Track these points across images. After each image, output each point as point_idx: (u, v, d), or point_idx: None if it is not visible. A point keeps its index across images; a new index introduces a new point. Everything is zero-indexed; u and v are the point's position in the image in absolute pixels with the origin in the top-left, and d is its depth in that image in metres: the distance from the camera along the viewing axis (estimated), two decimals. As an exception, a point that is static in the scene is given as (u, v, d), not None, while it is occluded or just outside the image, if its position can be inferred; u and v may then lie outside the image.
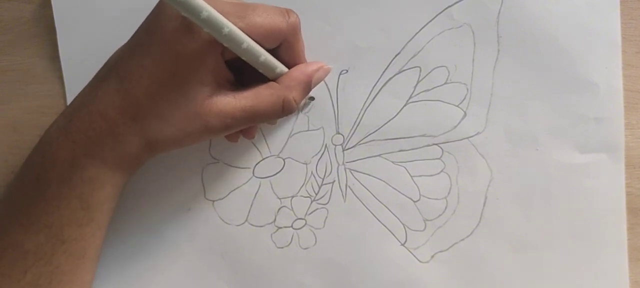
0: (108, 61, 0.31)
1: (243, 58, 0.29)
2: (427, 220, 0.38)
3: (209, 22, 0.26)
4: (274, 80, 0.32)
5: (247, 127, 0.33)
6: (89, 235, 0.31)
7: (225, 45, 0.28)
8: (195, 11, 0.25)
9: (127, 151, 0.30)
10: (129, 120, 0.29)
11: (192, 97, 0.28)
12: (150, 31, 0.28)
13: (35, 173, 0.30)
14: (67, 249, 0.30)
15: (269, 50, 0.30)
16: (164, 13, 0.28)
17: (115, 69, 0.29)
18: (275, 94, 0.30)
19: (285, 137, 0.38)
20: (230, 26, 0.27)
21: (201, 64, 0.28)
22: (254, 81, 0.31)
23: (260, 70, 0.30)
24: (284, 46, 0.31)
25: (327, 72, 0.33)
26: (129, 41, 0.30)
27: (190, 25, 0.27)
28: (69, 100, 0.37)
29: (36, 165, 0.30)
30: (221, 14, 0.27)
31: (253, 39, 0.29)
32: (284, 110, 0.31)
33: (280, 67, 0.30)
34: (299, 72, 0.31)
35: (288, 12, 0.30)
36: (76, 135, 0.29)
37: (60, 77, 0.37)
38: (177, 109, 0.28)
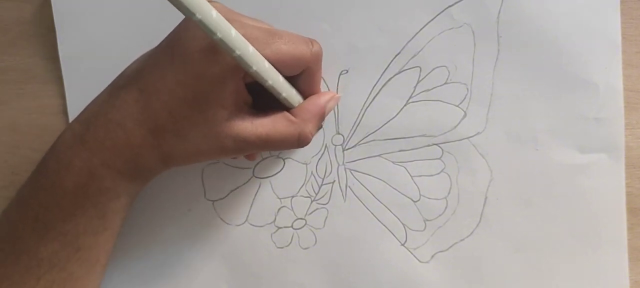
0: (127, 70, 0.30)
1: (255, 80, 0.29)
2: (427, 220, 0.38)
3: (222, 44, 0.25)
4: (283, 104, 0.31)
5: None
6: (102, 243, 0.31)
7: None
8: (209, 31, 0.25)
9: (143, 163, 0.29)
10: (146, 132, 0.29)
11: (210, 118, 0.28)
12: (174, 47, 0.28)
13: (50, 180, 0.29)
14: (81, 257, 0.30)
15: (288, 78, 0.31)
16: (190, 31, 0.28)
17: (135, 79, 0.29)
18: (292, 127, 0.30)
19: (285, 137, 0.38)
20: (242, 49, 0.26)
21: (223, 87, 0.28)
22: (267, 103, 0.31)
23: (271, 92, 0.31)
24: (305, 74, 0.31)
25: (338, 100, 0.35)
26: (151, 53, 0.30)
27: (215, 48, 0.27)
28: (69, 100, 0.37)
29: (51, 171, 0.30)
30: (248, 38, 0.27)
31: (277, 66, 0.29)
32: (299, 143, 0.31)
33: (286, 92, 0.30)
34: (313, 105, 0.32)
35: (312, 41, 0.30)
36: (93, 143, 0.29)
37: (60, 77, 0.37)
38: (194, 128, 0.28)
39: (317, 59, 0.31)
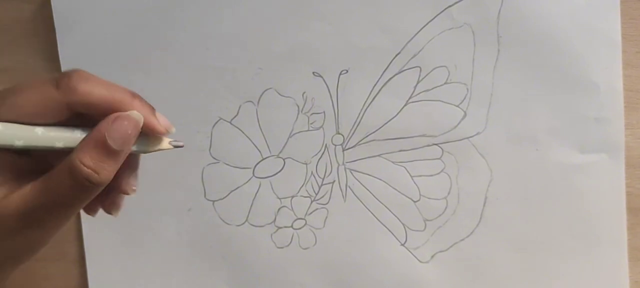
0: None
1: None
2: (427, 220, 0.38)
3: None
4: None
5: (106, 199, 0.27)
6: None
7: None
8: None
9: None
10: None
11: None
12: None
13: None
14: None
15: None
16: None
17: None
18: (65, 163, 0.24)
19: (285, 137, 0.38)
20: None
21: None
22: None
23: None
24: (84, 111, 0.24)
25: (134, 122, 0.24)
26: None
27: None
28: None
29: None
30: None
31: (24, 121, 0.24)
32: (74, 180, 0.24)
33: (63, 141, 0.24)
34: (92, 131, 0.24)
35: (62, 75, 0.24)
36: None
37: (60, 77, 0.37)
38: None
39: (70, 90, 0.24)
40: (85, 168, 0.23)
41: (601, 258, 0.38)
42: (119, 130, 0.24)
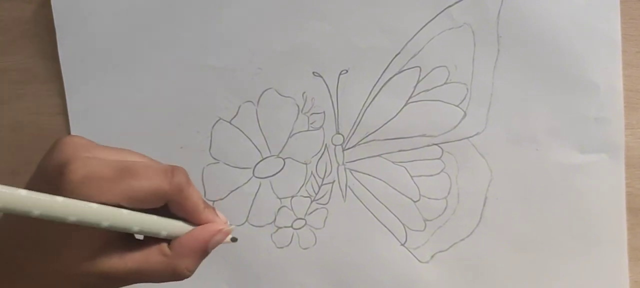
0: None
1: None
2: (427, 220, 0.38)
3: (48, 219, 0.23)
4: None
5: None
6: None
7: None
8: (21, 211, 0.22)
9: None
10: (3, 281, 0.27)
11: (64, 261, 0.26)
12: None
13: None
14: None
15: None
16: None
17: None
18: (166, 262, 0.28)
19: (285, 137, 0.38)
20: (77, 212, 0.24)
21: (64, 228, 0.25)
22: None
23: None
24: (172, 206, 0.28)
25: (228, 234, 0.30)
26: None
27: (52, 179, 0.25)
28: (69, 100, 0.37)
29: None
30: (97, 175, 0.25)
31: (131, 205, 0.26)
32: (174, 278, 0.29)
33: (166, 230, 0.28)
34: (193, 239, 0.29)
35: (173, 170, 0.27)
36: None
37: (60, 77, 0.37)
38: (48, 275, 0.27)
39: (178, 189, 0.27)
40: (187, 271, 0.28)
41: (601, 258, 0.38)
42: (218, 241, 0.29)
